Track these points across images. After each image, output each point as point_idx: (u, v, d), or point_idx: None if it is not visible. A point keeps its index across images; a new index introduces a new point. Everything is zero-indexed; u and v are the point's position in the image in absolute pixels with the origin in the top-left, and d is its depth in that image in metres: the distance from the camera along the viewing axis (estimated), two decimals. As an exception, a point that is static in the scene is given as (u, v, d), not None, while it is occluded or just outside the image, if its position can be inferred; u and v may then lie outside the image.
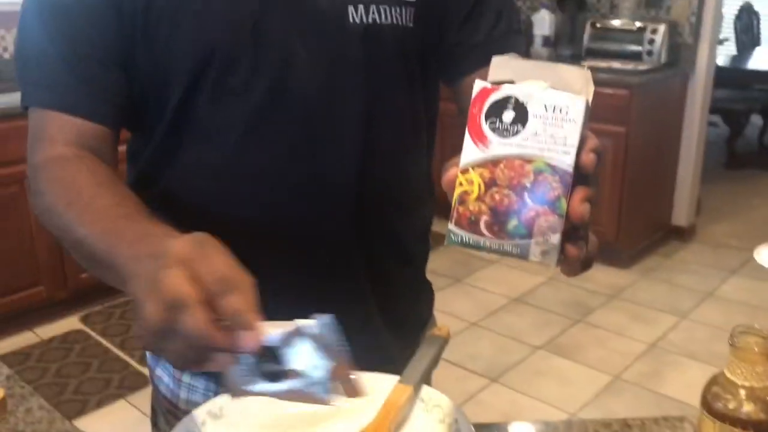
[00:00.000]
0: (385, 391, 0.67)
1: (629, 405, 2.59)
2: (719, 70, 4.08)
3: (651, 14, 3.89)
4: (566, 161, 0.53)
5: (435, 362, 0.73)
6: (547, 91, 0.54)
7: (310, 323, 0.52)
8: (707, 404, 0.74)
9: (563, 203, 0.53)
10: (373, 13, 0.81)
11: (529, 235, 0.53)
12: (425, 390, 0.69)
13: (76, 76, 0.78)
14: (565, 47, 4.12)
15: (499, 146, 0.54)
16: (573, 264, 0.57)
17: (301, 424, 0.67)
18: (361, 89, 0.83)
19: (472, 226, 0.55)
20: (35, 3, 0.80)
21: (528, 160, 0.54)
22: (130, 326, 3.08)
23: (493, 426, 0.88)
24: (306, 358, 0.51)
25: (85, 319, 3.15)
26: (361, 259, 0.90)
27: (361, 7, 0.81)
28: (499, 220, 0.54)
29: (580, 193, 0.54)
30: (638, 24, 3.77)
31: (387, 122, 0.87)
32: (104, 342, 2.98)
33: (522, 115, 0.54)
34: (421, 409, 0.68)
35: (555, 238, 0.53)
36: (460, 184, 0.55)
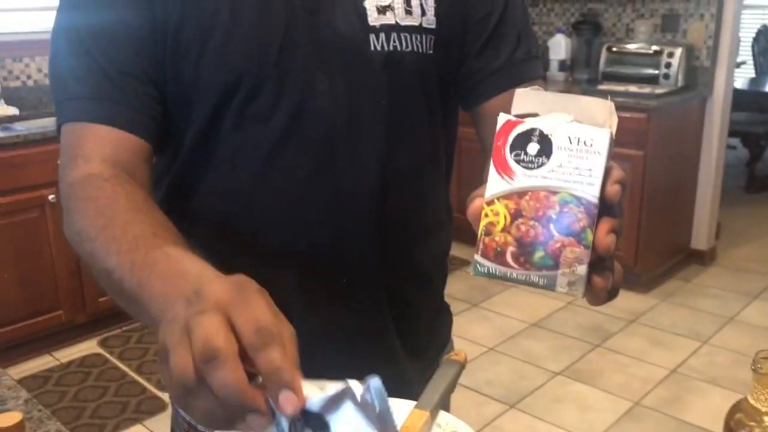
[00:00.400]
0: (401, 417, 0.66)
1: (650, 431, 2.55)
2: (737, 93, 4.06)
3: (667, 38, 3.89)
4: (591, 192, 0.54)
5: (452, 387, 0.73)
6: (572, 124, 0.55)
7: (357, 386, 0.46)
8: (730, 431, 0.72)
9: (589, 234, 0.53)
10: (394, 41, 0.82)
11: (556, 266, 0.54)
12: (442, 415, 0.68)
13: (117, 89, 0.78)
14: (582, 71, 4.13)
15: (524, 178, 0.55)
16: (599, 294, 0.57)
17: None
18: (382, 114, 0.84)
19: (499, 257, 0.55)
20: (68, 21, 0.81)
21: (553, 192, 0.54)
22: (148, 350, 3.09)
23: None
24: (350, 424, 0.45)
25: (103, 343, 3.17)
26: (381, 282, 0.91)
27: (382, 35, 0.82)
28: (525, 251, 0.54)
29: (605, 224, 0.54)
30: (654, 48, 3.77)
31: (407, 147, 0.87)
32: (122, 366, 2.99)
33: (547, 147, 0.55)
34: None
35: (582, 269, 0.53)
36: (486, 215, 0.55)
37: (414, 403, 0.68)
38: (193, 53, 0.79)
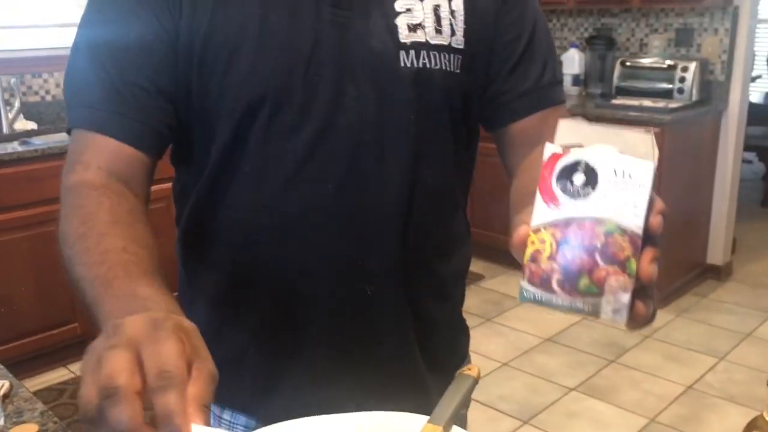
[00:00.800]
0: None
1: (666, 449, 2.53)
2: (753, 107, 4.04)
3: (681, 52, 3.89)
4: (636, 223, 0.55)
5: (465, 402, 0.72)
6: (617, 156, 0.56)
7: None
8: (746, 449, 0.72)
9: (633, 264, 0.55)
10: (423, 58, 0.84)
11: (600, 293, 0.55)
12: (456, 430, 0.68)
13: (120, 100, 0.79)
14: (595, 86, 4.13)
15: (570, 208, 0.56)
16: (640, 320, 0.58)
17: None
18: (408, 129, 0.85)
19: (544, 284, 0.56)
20: (89, 34, 0.82)
21: (599, 222, 0.56)
22: (162, 363, 3.10)
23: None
24: None
25: (117, 356, 3.18)
26: (403, 296, 0.91)
27: (412, 52, 0.83)
28: (570, 278, 0.56)
29: (648, 254, 0.56)
30: (668, 62, 3.76)
31: (431, 163, 0.88)
32: (136, 379, 3.00)
33: (592, 178, 0.56)
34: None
35: (625, 298, 0.55)
36: (532, 242, 0.57)
37: (426, 418, 0.68)
38: (221, 66, 0.80)
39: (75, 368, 3.09)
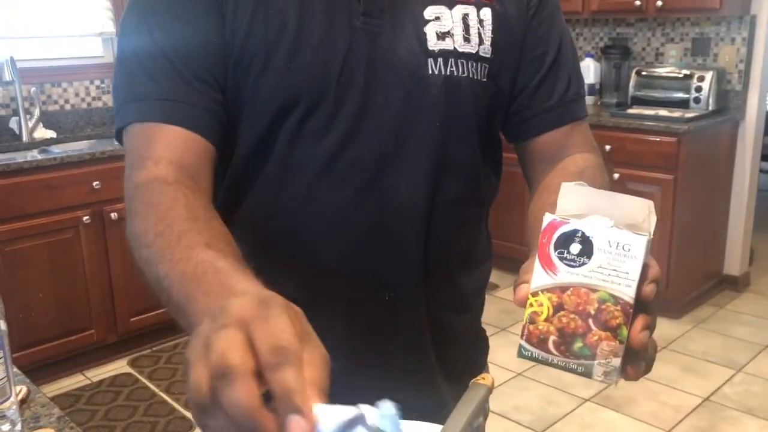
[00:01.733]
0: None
1: (683, 461, 2.50)
2: (770, 116, 4.01)
3: (697, 62, 3.87)
4: (628, 293, 0.58)
5: (479, 411, 0.72)
6: (612, 229, 0.60)
7: (369, 411, 0.44)
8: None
9: (624, 331, 0.58)
10: (451, 66, 0.85)
11: (593, 356, 0.59)
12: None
13: (192, 91, 0.79)
14: (611, 95, 4.12)
15: (566, 275, 0.60)
16: (631, 379, 0.62)
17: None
18: (434, 136, 0.86)
19: (541, 344, 0.60)
20: (143, 18, 0.82)
21: (593, 290, 0.59)
22: (176, 370, 3.11)
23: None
24: None
25: (133, 363, 3.20)
26: (423, 304, 0.92)
27: (440, 60, 0.84)
28: (565, 340, 0.60)
29: (640, 322, 0.59)
30: (685, 71, 3.75)
31: (455, 171, 0.89)
32: (151, 386, 3.01)
33: (588, 248, 0.60)
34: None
35: (616, 362, 0.59)
36: (531, 305, 0.61)
37: (440, 427, 0.68)
38: (257, 66, 0.81)
39: (91, 374, 3.11)
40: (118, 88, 0.83)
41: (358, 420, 0.44)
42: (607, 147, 3.49)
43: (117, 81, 0.83)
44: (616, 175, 3.44)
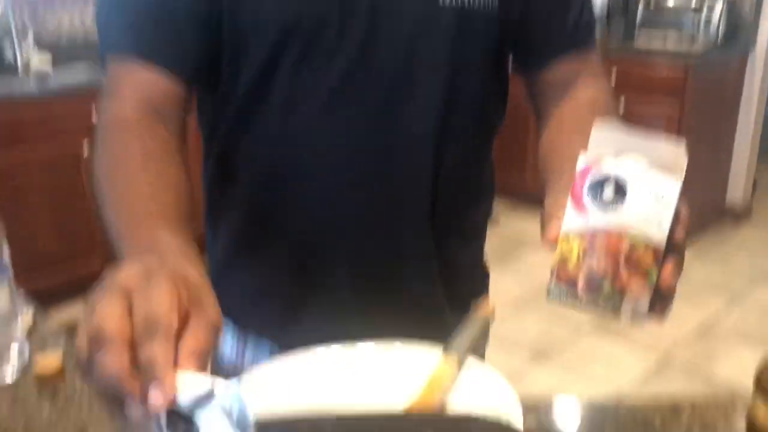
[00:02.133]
0: (430, 364, 0.67)
1: (679, 387, 2.56)
2: (781, 46, 3.93)
3: (708, -10, 3.76)
4: (659, 237, 0.59)
5: (481, 336, 0.73)
6: (646, 173, 0.60)
7: (221, 388, 0.46)
8: (761, 387, 0.72)
9: (653, 274, 0.59)
10: None
11: (621, 299, 0.60)
12: (471, 361, 0.69)
13: (163, 27, 0.78)
14: (618, 24, 4.02)
15: (598, 217, 0.60)
16: (656, 321, 0.63)
17: (347, 395, 0.68)
18: (443, 66, 0.84)
19: (571, 286, 0.61)
20: None
21: (624, 233, 0.59)
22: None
23: (540, 402, 0.88)
24: (215, 424, 0.46)
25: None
26: (430, 237, 0.92)
27: None
28: (594, 283, 0.60)
29: (670, 265, 0.60)
30: (694, 1, 3.65)
31: (463, 104, 0.87)
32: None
33: (621, 192, 0.60)
34: (467, 381, 0.68)
35: (644, 305, 0.60)
36: (561, 246, 0.61)
37: (442, 350, 0.69)
38: None
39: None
40: (100, 12, 0.82)
41: (210, 395, 0.46)
42: (613, 73, 3.43)
43: (99, 4, 0.82)
44: (621, 106, 3.40)
